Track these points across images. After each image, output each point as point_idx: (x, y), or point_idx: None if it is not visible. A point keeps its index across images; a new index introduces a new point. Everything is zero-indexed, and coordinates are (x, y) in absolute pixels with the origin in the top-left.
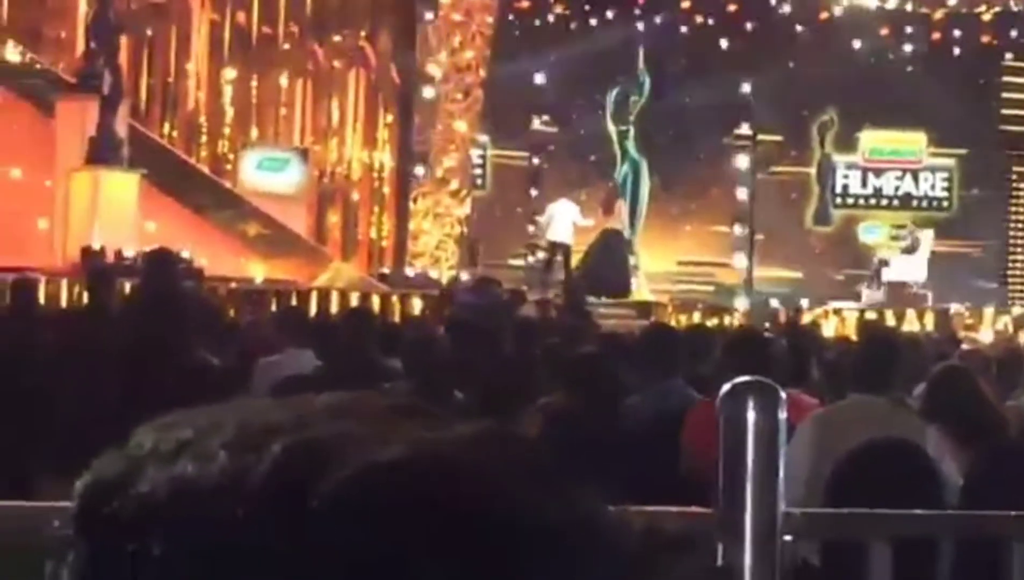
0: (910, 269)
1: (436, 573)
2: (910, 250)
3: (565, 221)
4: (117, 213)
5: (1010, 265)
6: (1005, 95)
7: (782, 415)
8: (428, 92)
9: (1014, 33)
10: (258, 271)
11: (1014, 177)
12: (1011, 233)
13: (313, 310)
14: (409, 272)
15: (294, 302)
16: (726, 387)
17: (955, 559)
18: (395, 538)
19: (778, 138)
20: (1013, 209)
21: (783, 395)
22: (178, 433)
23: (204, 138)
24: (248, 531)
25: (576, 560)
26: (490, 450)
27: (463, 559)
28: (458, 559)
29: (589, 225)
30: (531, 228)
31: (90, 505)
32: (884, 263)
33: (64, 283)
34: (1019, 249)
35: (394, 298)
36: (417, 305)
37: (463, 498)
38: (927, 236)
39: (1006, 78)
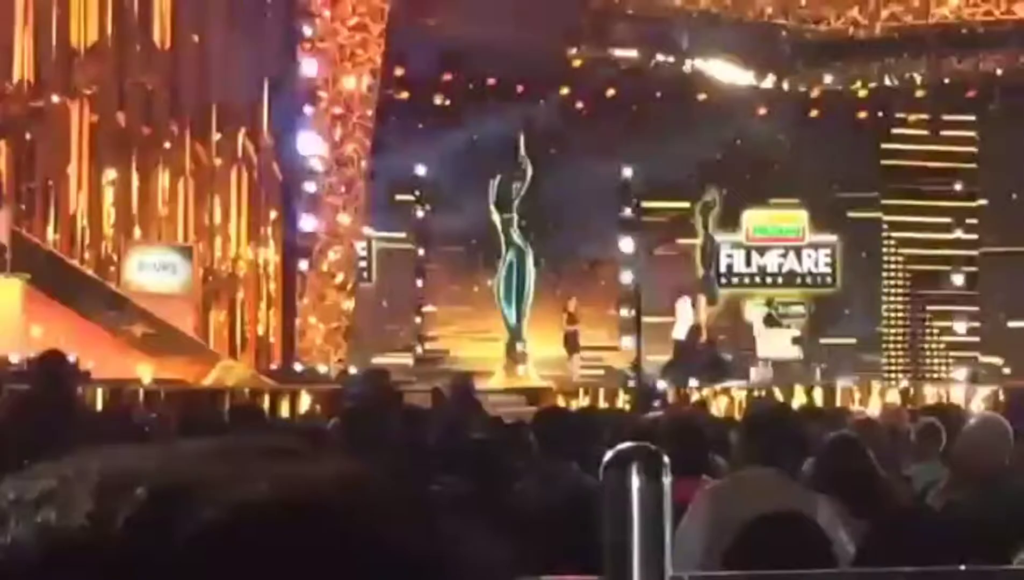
0: (781, 346)
1: None
2: (774, 324)
3: (683, 318)
4: (1, 319)
5: (886, 339)
6: (883, 167)
7: (667, 480)
8: (310, 187)
9: (890, 108)
10: (146, 371)
11: (892, 252)
12: (889, 308)
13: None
14: (298, 367)
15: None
16: (609, 453)
17: None
18: (259, 575)
19: (684, 205)
20: (889, 282)
21: (667, 460)
22: (42, 483)
23: (87, 240)
24: (114, 575)
25: None
26: (353, 487)
27: None
28: None
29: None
30: (418, 319)
31: None
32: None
33: None
34: (896, 324)
35: (284, 394)
36: (307, 400)
37: (326, 533)
38: (795, 312)
39: (885, 146)
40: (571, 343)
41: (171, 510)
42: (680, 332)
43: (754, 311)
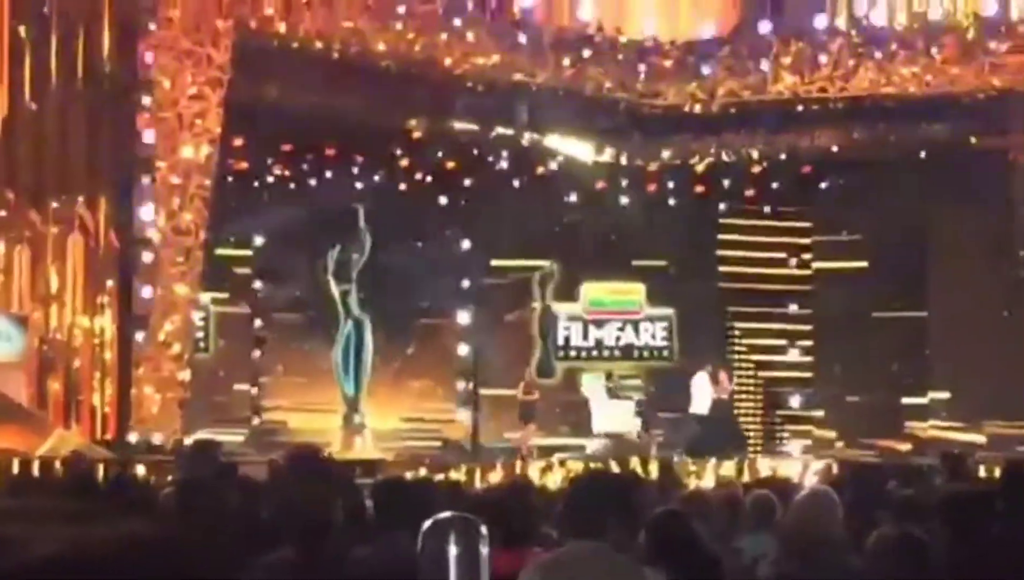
0: (621, 419)
1: None
2: (614, 397)
3: (700, 393)
4: None
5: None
6: (720, 241)
7: (484, 550)
8: (148, 256)
9: (727, 183)
10: None
11: (729, 327)
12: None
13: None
14: (133, 438)
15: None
16: (427, 523)
17: None
18: None
19: (529, 266)
20: (726, 355)
21: (484, 530)
22: None
23: None
24: None
25: None
26: (130, 546)
27: None
28: None
29: (718, 396)
30: (255, 390)
31: None
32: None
33: None
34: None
35: (118, 464)
36: (141, 470)
37: None
38: (632, 386)
39: (722, 221)
40: (526, 413)
41: None
42: (700, 406)
43: (591, 384)
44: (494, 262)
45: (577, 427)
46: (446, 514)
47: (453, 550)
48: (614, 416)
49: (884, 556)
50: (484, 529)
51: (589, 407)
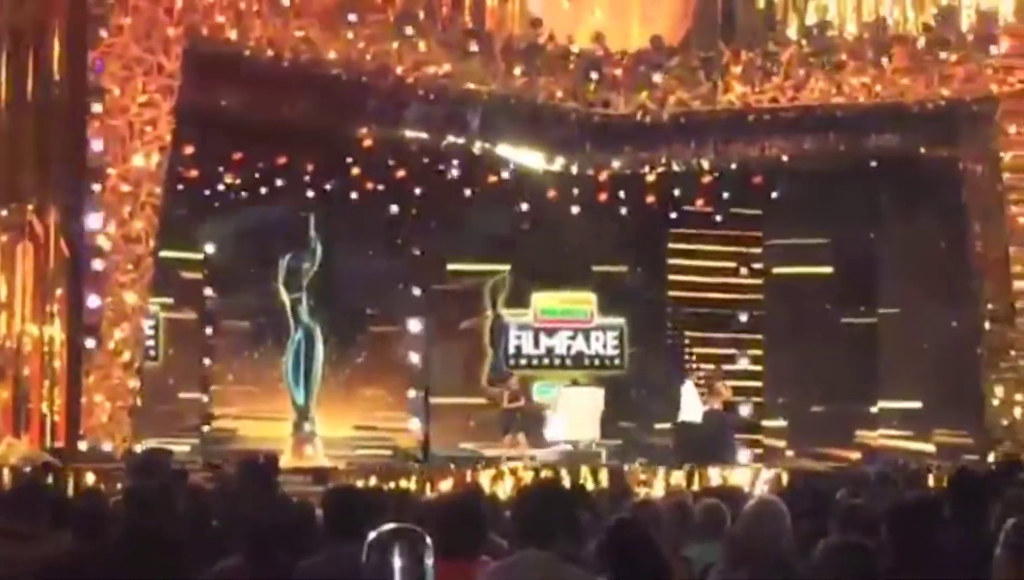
0: (579, 428)
1: None
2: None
3: (690, 403)
4: None
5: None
6: (672, 251)
7: (428, 561)
8: (98, 264)
9: (677, 192)
10: None
11: (679, 336)
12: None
13: None
14: (82, 446)
15: None
16: (372, 535)
17: None
18: None
19: (481, 271)
20: (676, 364)
21: (428, 541)
22: None
23: None
24: None
25: None
26: (66, 563)
27: None
28: None
29: (710, 406)
30: (205, 398)
31: None
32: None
33: None
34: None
35: (68, 472)
36: (91, 478)
37: None
38: (582, 394)
39: (673, 230)
40: (509, 422)
41: None
42: (689, 415)
43: (548, 392)
44: (446, 269)
45: (530, 436)
46: (390, 526)
47: (397, 562)
48: (577, 426)
49: (831, 565)
50: (429, 540)
51: (542, 415)
